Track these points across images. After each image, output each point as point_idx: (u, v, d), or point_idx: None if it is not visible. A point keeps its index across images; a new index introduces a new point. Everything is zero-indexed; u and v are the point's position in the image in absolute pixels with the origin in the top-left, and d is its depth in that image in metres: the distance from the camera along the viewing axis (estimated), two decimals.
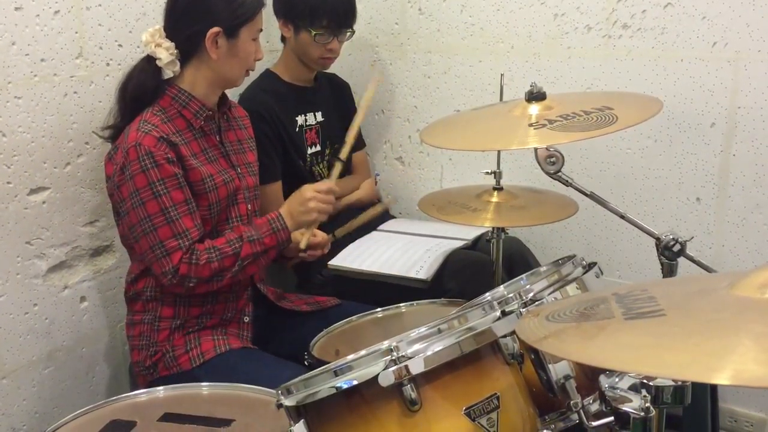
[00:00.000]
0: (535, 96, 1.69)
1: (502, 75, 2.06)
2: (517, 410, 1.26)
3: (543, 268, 1.69)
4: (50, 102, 1.99)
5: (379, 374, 1.15)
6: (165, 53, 1.80)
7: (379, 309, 1.96)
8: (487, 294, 1.59)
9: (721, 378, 0.75)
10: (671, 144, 2.25)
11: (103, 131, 1.90)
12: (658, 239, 1.58)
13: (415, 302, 1.97)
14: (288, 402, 1.22)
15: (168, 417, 1.48)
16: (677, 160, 2.25)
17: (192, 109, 1.85)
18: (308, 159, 2.42)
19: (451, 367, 1.20)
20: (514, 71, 2.43)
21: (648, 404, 1.06)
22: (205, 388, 1.61)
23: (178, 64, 1.83)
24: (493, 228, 2.02)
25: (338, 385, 1.17)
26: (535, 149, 1.65)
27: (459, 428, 1.18)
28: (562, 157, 1.66)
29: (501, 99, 2.07)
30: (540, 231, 2.48)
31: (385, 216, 2.63)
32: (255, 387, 1.56)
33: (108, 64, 2.12)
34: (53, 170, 2.03)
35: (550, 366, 1.29)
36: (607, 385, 1.16)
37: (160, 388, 1.61)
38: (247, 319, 1.98)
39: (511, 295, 1.31)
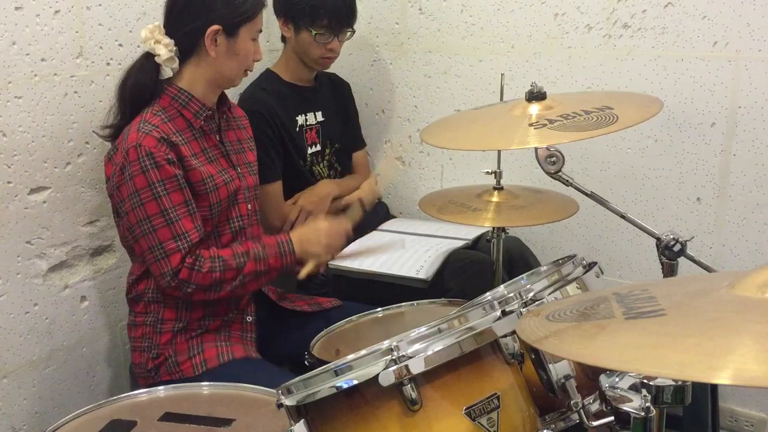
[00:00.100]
0: (536, 96, 1.69)
1: (502, 75, 2.06)
2: (518, 410, 1.25)
3: (543, 268, 1.69)
4: (50, 102, 1.99)
5: (379, 374, 1.15)
6: (164, 50, 1.80)
7: (379, 309, 1.96)
8: (488, 294, 1.59)
9: (721, 378, 0.75)
10: (671, 144, 2.25)
11: (103, 130, 1.90)
12: (658, 239, 1.58)
13: (415, 302, 1.97)
14: (288, 402, 1.22)
15: (168, 417, 1.48)
16: (677, 159, 2.25)
17: (192, 108, 1.85)
18: (308, 159, 2.42)
19: (452, 366, 1.20)
20: (514, 71, 2.43)
21: (648, 404, 1.06)
22: (205, 387, 1.61)
23: (177, 61, 1.83)
24: (494, 228, 2.02)
25: (338, 384, 1.17)
26: (536, 149, 1.65)
27: (459, 428, 1.18)
28: (563, 156, 1.66)
29: (501, 99, 2.06)
30: (540, 231, 2.48)
31: (386, 216, 2.63)
32: (255, 387, 1.56)
33: (108, 64, 2.12)
34: (53, 170, 2.03)
35: (550, 366, 1.29)
36: (607, 385, 1.15)
37: (161, 387, 1.61)
38: (250, 318, 1.98)
39: (511, 294, 1.31)
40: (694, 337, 0.84)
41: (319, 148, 2.46)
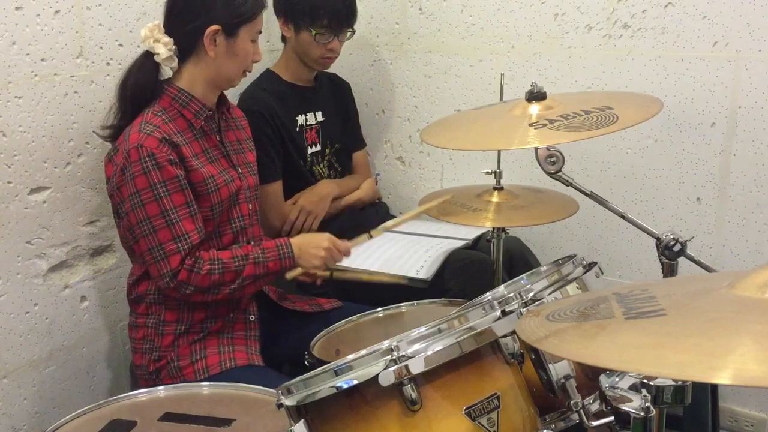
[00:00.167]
0: (536, 96, 1.69)
1: (502, 75, 2.06)
2: (518, 410, 1.26)
3: (543, 268, 1.69)
4: (51, 102, 1.99)
5: (379, 374, 1.15)
6: (163, 49, 1.80)
7: (379, 309, 1.96)
8: (488, 294, 1.59)
9: (721, 378, 0.75)
10: (671, 144, 2.25)
11: (103, 131, 1.90)
12: (658, 239, 1.58)
13: (415, 302, 1.97)
14: (288, 402, 1.22)
15: (168, 417, 1.48)
16: (677, 159, 2.25)
17: (192, 109, 1.85)
18: (308, 159, 2.42)
19: (452, 366, 1.20)
20: (514, 71, 2.43)
21: (648, 404, 1.06)
22: (205, 387, 1.62)
23: (176, 60, 1.83)
24: (494, 228, 2.02)
25: (338, 384, 1.17)
26: (536, 149, 1.65)
27: (459, 428, 1.18)
28: (563, 156, 1.66)
29: (501, 99, 2.06)
30: (540, 231, 2.48)
31: (386, 216, 2.63)
32: (255, 387, 1.56)
33: (108, 64, 2.12)
34: (54, 170, 2.03)
35: (550, 366, 1.29)
36: (607, 385, 1.15)
37: (161, 387, 1.62)
38: (252, 317, 1.97)
39: (511, 294, 1.31)
40: (694, 337, 0.84)
41: (319, 148, 2.46)
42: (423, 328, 1.21)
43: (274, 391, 1.30)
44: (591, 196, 1.70)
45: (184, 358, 1.86)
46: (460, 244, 2.27)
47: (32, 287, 2.02)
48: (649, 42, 2.22)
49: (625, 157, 2.33)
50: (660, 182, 2.29)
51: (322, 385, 1.19)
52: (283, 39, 2.40)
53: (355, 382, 1.17)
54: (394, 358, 1.16)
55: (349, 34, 2.37)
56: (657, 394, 1.05)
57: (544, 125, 1.60)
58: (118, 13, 2.12)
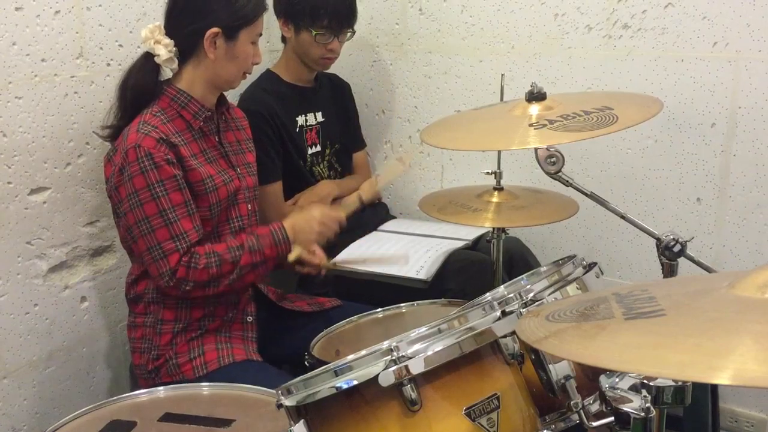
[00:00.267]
0: (536, 96, 1.69)
1: (502, 75, 2.06)
2: (518, 410, 1.25)
3: (543, 268, 1.69)
4: (51, 102, 1.99)
5: (379, 374, 1.15)
6: (164, 50, 1.80)
7: (379, 309, 1.96)
8: (488, 294, 1.59)
9: (721, 378, 0.75)
10: (671, 144, 2.25)
11: (103, 131, 1.90)
12: (658, 239, 1.58)
13: (415, 302, 1.97)
14: (288, 402, 1.22)
15: (168, 417, 1.48)
16: (677, 160, 2.25)
17: (191, 109, 1.85)
18: (308, 159, 2.42)
19: (452, 367, 1.20)
20: (514, 71, 2.43)
21: (648, 404, 1.06)
22: (205, 388, 1.61)
23: (176, 62, 1.83)
24: (494, 228, 2.02)
25: (338, 385, 1.17)
26: (536, 149, 1.65)
27: (459, 428, 1.18)
28: (563, 157, 1.66)
29: (501, 99, 2.06)
30: (540, 231, 2.48)
31: (386, 216, 2.63)
32: (255, 387, 1.56)
33: (108, 64, 2.12)
34: (54, 170, 2.03)
35: (550, 366, 1.29)
36: (607, 385, 1.15)
37: (161, 388, 1.62)
38: (250, 318, 1.98)
39: (511, 295, 1.31)
40: (694, 337, 0.84)
41: (319, 148, 2.46)
42: (423, 329, 1.21)
43: (273, 391, 1.30)
44: (591, 196, 1.70)
45: (182, 355, 1.86)
46: (460, 244, 2.27)
47: (32, 288, 2.02)
48: (649, 42, 2.22)
49: (625, 158, 2.33)
50: (660, 182, 2.29)
51: (322, 385, 1.19)
52: (283, 39, 2.40)
53: (355, 382, 1.17)
54: (394, 358, 1.16)
55: (349, 34, 2.37)
56: (657, 394, 1.05)
57: (544, 125, 1.60)
58: (119, 13, 2.13)
